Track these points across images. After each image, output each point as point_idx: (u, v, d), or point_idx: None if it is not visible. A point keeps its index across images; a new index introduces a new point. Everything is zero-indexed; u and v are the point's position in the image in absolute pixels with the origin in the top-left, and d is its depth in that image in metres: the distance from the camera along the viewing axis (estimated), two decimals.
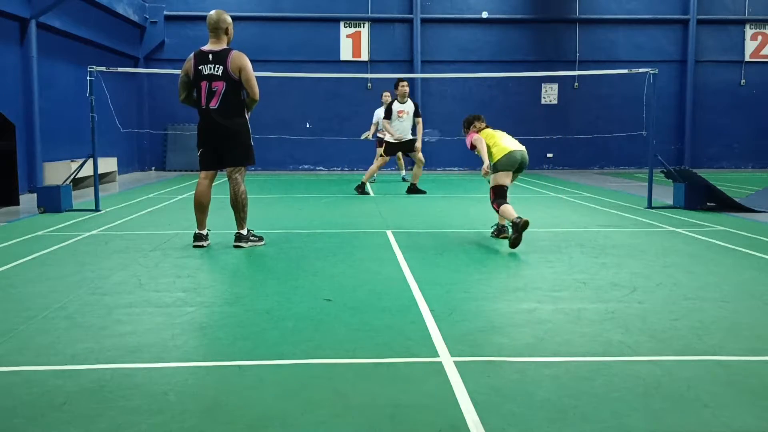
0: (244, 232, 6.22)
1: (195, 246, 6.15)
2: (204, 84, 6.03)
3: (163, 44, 17.91)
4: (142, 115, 17.83)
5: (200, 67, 6.04)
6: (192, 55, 6.14)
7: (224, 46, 6.12)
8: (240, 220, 6.22)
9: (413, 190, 11.38)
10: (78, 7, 13.61)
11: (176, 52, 17.76)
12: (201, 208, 6.22)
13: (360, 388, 2.81)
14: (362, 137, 14.21)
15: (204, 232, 6.25)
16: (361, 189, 11.29)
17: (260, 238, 6.35)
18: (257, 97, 6.10)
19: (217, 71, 5.99)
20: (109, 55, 15.40)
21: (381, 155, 11.87)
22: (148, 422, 2.48)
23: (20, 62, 11.77)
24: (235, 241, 6.18)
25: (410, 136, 11.27)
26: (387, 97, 13.59)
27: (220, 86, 6.00)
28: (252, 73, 6.07)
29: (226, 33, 6.13)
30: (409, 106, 11.23)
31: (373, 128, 13.71)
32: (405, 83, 11.28)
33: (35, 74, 11.92)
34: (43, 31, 12.37)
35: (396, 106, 11.22)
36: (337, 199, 10.77)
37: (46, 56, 12.56)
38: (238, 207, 6.19)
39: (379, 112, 13.60)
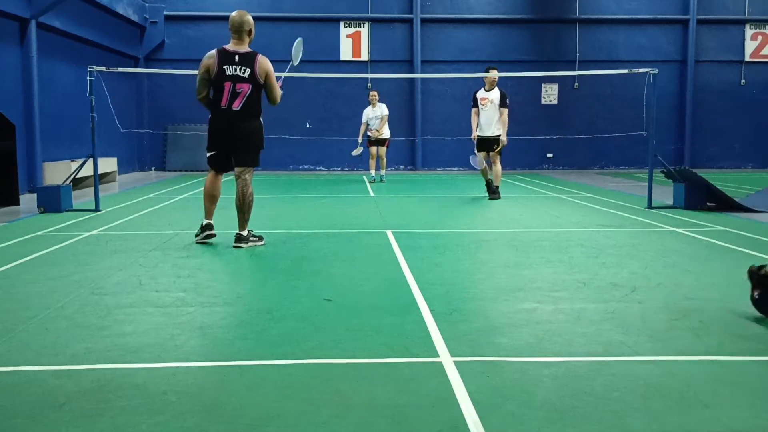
0: (245, 233, 6.22)
1: (202, 238, 6.27)
2: (228, 85, 5.97)
3: (163, 44, 17.92)
4: (142, 115, 17.84)
5: (224, 67, 5.97)
6: (215, 52, 6.04)
7: (248, 48, 6.10)
8: (243, 222, 6.21)
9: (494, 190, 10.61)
10: (78, 7, 13.61)
11: (176, 52, 17.78)
12: (211, 198, 6.32)
13: (360, 388, 2.81)
14: (354, 153, 14.01)
15: (212, 221, 6.32)
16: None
17: (260, 238, 6.34)
18: (278, 101, 6.21)
19: (243, 73, 5.95)
20: (109, 55, 15.40)
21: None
22: (148, 422, 2.48)
23: (20, 62, 11.77)
24: (236, 241, 6.18)
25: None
26: (374, 96, 13.65)
27: (245, 88, 5.98)
28: (274, 79, 6.16)
29: (249, 34, 6.12)
30: None
31: (363, 128, 13.72)
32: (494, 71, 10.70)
33: (35, 74, 11.92)
34: (43, 31, 12.38)
35: None
36: (337, 199, 10.77)
37: (46, 56, 12.56)
38: (244, 208, 6.17)
39: (368, 111, 13.67)
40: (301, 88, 17.81)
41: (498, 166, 10.54)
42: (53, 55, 12.98)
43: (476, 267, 5.36)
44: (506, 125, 10.41)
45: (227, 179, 6.49)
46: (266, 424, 2.47)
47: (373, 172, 14.09)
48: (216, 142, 6.18)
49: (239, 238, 6.18)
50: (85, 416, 2.53)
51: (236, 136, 6.09)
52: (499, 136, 10.38)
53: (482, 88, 10.66)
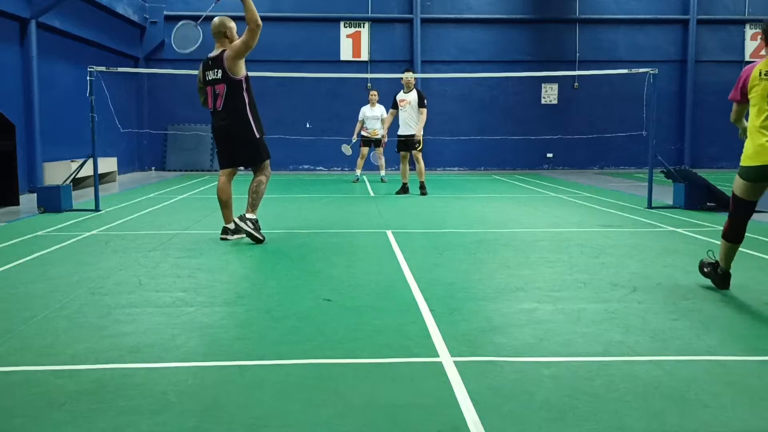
0: (250, 215, 6.33)
1: (221, 239, 6.45)
2: (210, 89, 6.36)
3: (163, 44, 17.90)
4: (142, 115, 17.83)
5: (206, 73, 6.38)
6: (201, 63, 6.44)
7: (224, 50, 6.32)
8: (248, 203, 6.40)
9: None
10: (78, 7, 13.61)
11: (176, 52, 17.68)
12: (222, 203, 6.53)
13: (360, 388, 2.81)
14: (345, 149, 13.87)
15: (230, 226, 6.48)
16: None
17: (261, 237, 6.33)
18: (254, 18, 5.98)
19: (217, 75, 6.28)
20: (109, 55, 15.40)
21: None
22: (148, 422, 2.48)
23: (20, 62, 11.77)
24: (238, 217, 6.36)
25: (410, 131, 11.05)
26: (374, 96, 13.72)
27: (221, 89, 6.28)
28: (239, 41, 6.14)
29: (227, 37, 6.35)
30: (412, 96, 11.03)
31: (359, 126, 13.73)
32: (409, 73, 11.13)
33: (35, 74, 11.92)
34: (43, 31, 12.37)
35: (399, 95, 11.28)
36: (337, 199, 10.77)
37: (46, 56, 12.56)
38: (250, 191, 6.42)
39: (366, 110, 13.71)
40: (301, 88, 17.80)
41: (421, 164, 11.18)
42: (53, 55, 12.97)
43: (476, 267, 5.36)
44: (423, 123, 10.97)
45: (244, 178, 6.58)
46: (266, 424, 2.47)
47: (358, 171, 14.10)
48: (216, 142, 6.60)
49: (242, 217, 6.34)
50: (85, 416, 2.53)
51: (228, 136, 6.38)
52: (414, 135, 10.92)
53: (401, 90, 11.23)
